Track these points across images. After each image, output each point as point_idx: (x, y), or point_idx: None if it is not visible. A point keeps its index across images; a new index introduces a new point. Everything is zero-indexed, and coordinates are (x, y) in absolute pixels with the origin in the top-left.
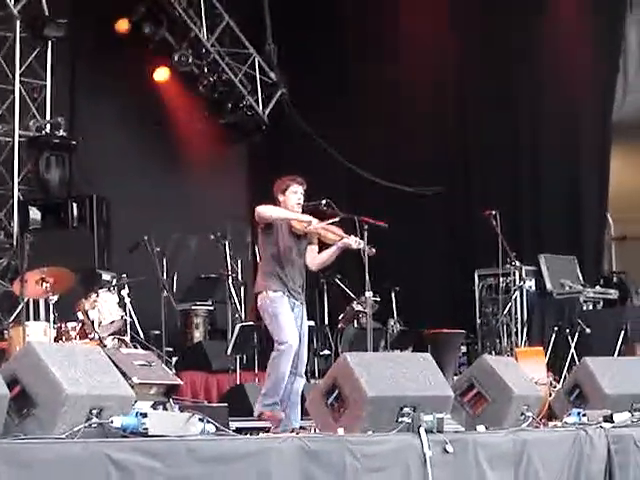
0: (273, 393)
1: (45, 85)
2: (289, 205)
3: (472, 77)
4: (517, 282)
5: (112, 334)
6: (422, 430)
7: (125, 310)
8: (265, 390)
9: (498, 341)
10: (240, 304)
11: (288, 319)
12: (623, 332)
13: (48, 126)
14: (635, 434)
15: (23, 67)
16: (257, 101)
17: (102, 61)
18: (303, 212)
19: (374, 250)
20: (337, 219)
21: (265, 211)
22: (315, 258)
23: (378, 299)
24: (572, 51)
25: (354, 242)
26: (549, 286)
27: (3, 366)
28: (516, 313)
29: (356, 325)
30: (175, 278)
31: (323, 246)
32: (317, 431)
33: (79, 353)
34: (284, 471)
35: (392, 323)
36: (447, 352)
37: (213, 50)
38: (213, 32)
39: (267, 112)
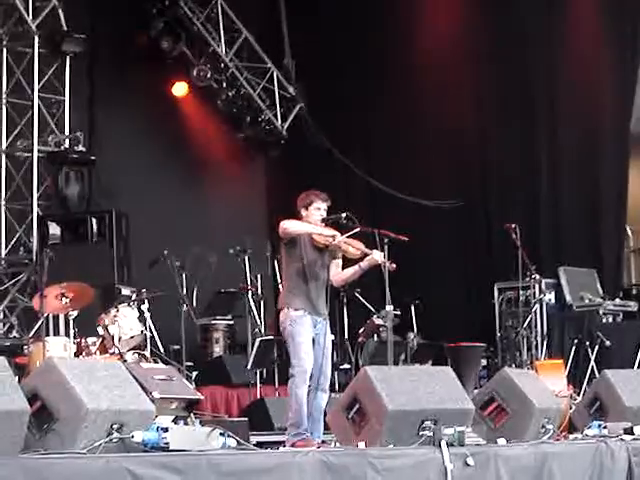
0: (299, 422)
1: (63, 100)
2: (311, 221)
3: (490, 90)
4: (537, 295)
5: (132, 349)
6: (443, 443)
7: (145, 325)
8: (291, 420)
9: (518, 354)
10: (260, 318)
11: (305, 342)
12: None
13: (67, 141)
14: None
15: (41, 82)
16: (276, 115)
17: (120, 76)
18: (325, 226)
19: (394, 265)
20: (357, 229)
21: (290, 226)
22: (338, 274)
23: (398, 313)
24: (591, 62)
25: (378, 256)
26: (569, 299)
27: (24, 381)
28: (536, 326)
29: (376, 339)
30: (195, 293)
31: (345, 261)
32: (338, 445)
33: (99, 368)
34: None
35: (412, 337)
36: (467, 365)
37: (231, 65)
38: (231, 47)
39: (286, 126)
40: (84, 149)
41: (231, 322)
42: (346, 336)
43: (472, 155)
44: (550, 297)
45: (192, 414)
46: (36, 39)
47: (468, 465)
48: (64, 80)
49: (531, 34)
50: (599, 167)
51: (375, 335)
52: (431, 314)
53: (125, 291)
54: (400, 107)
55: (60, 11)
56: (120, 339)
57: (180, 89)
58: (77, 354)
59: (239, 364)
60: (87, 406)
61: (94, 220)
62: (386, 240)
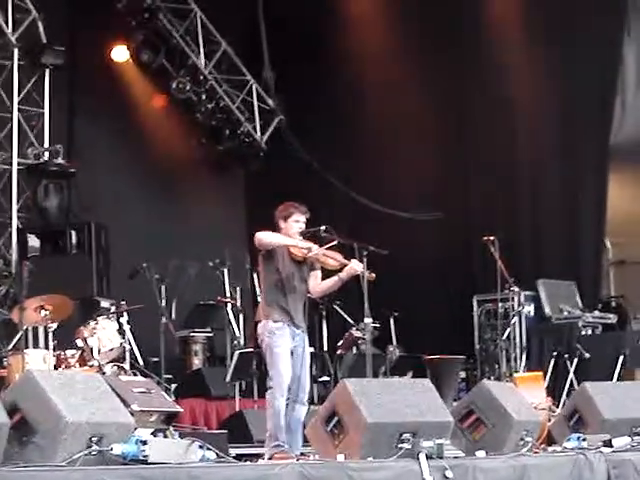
0: (277, 433)
1: (43, 113)
2: (290, 233)
3: (470, 101)
4: (516, 307)
5: (111, 361)
6: (422, 456)
7: (124, 337)
8: (269, 432)
9: (497, 366)
10: (239, 331)
11: (283, 353)
12: (622, 357)
13: (46, 154)
14: (634, 458)
15: (21, 95)
16: (255, 128)
17: (100, 88)
18: (303, 238)
19: (374, 275)
20: (335, 242)
21: (265, 237)
22: (318, 285)
23: (378, 325)
24: (570, 73)
25: (356, 265)
26: (548, 311)
27: (3, 394)
28: (515, 338)
29: (355, 351)
30: (174, 305)
31: (325, 272)
32: (317, 457)
33: (79, 381)
34: None
35: (391, 349)
36: (446, 378)
37: (211, 77)
38: (211, 59)
39: (265, 139)
40: (63, 162)
41: (210, 334)
42: (325, 348)
43: (452, 167)
44: (529, 309)
45: (171, 427)
46: (16, 51)
47: (447, 478)
48: (44, 92)
49: (515, 59)
50: (579, 179)
51: (354, 347)
52: (410, 326)
53: (104, 303)
54: (380, 120)
55: (40, 24)
56: (99, 351)
57: (159, 102)
58: (56, 366)
59: (218, 377)
60: (66, 419)
61: (73, 232)
62: (365, 252)
